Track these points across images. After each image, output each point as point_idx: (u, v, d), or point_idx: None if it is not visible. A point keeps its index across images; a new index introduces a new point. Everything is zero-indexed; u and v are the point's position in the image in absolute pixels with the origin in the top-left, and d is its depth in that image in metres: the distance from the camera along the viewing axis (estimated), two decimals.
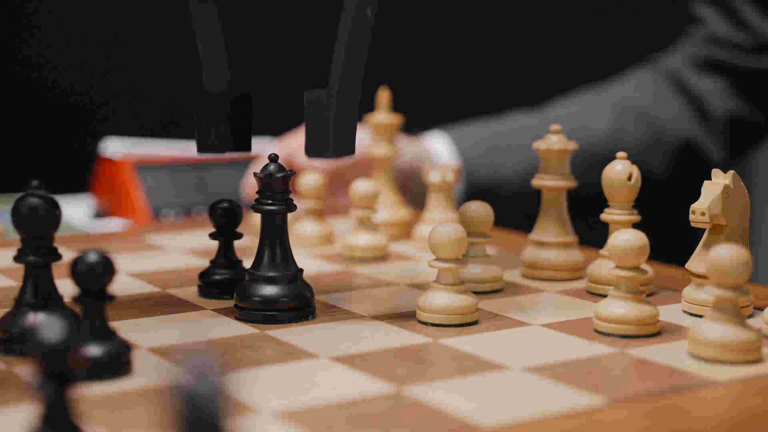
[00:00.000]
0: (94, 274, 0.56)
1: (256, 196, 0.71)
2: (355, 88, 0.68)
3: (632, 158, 1.32)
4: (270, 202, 0.70)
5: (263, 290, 0.69)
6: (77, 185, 1.34)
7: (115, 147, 1.25)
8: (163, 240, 0.98)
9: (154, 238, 0.99)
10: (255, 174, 0.70)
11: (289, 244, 0.71)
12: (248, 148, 0.72)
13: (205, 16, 0.71)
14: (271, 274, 0.70)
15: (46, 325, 0.42)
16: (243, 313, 0.70)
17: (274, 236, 0.70)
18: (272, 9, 1.60)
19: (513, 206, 1.11)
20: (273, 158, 0.70)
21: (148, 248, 0.95)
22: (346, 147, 0.68)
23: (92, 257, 0.56)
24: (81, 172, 1.34)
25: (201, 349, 0.32)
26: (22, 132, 1.56)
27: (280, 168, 0.70)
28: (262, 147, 1.23)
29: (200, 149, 0.70)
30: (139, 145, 1.27)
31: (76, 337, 0.42)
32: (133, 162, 1.22)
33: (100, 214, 1.26)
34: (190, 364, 0.32)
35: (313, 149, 0.68)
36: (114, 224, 1.19)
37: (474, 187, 1.25)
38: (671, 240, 1.19)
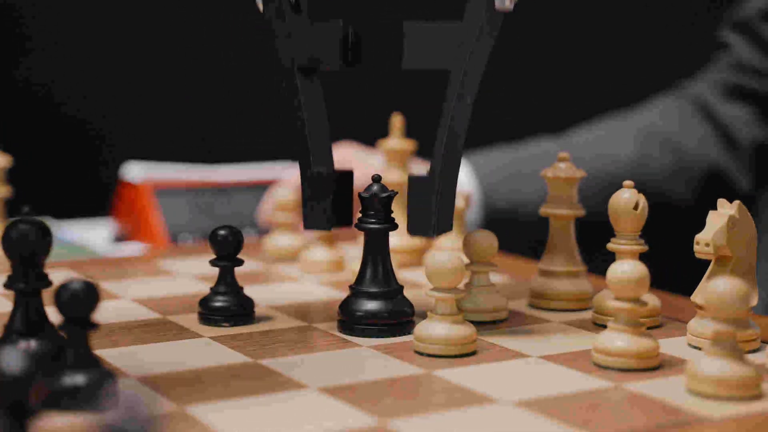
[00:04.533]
0: (78, 302, 0.56)
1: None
2: (455, 170, 0.73)
3: (657, 185, 1.32)
4: (373, 220, 0.74)
5: (365, 305, 0.73)
6: (100, 209, 1.34)
7: (136, 171, 1.26)
8: (176, 265, 0.98)
9: (168, 263, 0.99)
10: (360, 194, 0.74)
11: (390, 262, 0.75)
12: (350, 222, 0.76)
13: (311, 96, 0.76)
14: (372, 289, 0.73)
15: (4, 356, 0.41)
16: (344, 327, 0.73)
17: (376, 253, 0.74)
18: None
19: (532, 233, 1.10)
20: (376, 179, 0.74)
21: (160, 273, 0.95)
22: (445, 225, 0.72)
23: (76, 285, 0.56)
24: (104, 197, 1.34)
25: (130, 386, 0.32)
26: (47, 156, 1.57)
27: (383, 188, 0.74)
28: (280, 172, 1.23)
29: (307, 226, 0.75)
30: (160, 170, 1.27)
31: (35, 369, 0.41)
32: (152, 186, 1.22)
33: (120, 238, 1.26)
34: (119, 402, 0.31)
35: (415, 228, 0.72)
36: (132, 249, 1.19)
37: (493, 213, 1.24)
38: (696, 269, 1.18)
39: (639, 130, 1.31)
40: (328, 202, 0.74)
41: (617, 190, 0.75)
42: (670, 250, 1.07)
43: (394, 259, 0.90)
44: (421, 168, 1.20)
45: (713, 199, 0.71)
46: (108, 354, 0.67)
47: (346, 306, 0.74)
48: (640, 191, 0.76)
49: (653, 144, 1.30)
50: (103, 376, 0.57)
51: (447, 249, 0.91)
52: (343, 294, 0.79)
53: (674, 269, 1.01)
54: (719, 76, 1.32)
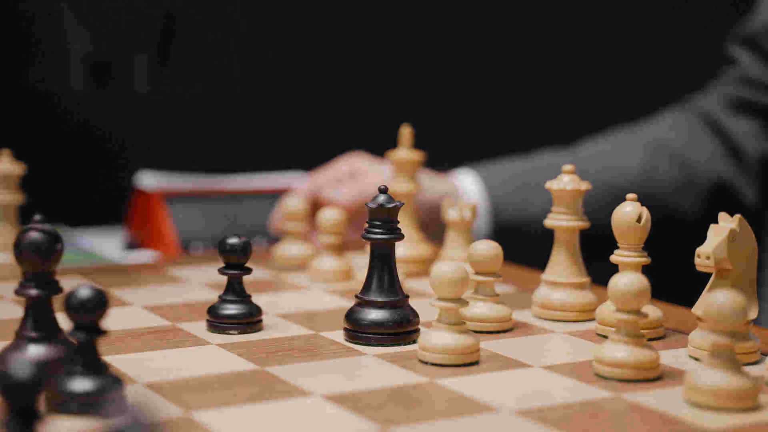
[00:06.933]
0: (87, 309, 0.57)
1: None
2: None
3: (664, 198, 1.33)
4: (379, 231, 0.74)
5: (371, 314, 0.74)
6: (113, 217, 1.36)
7: (148, 180, 1.27)
8: (187, 273, 0.99)
9: (179, 271, 1.00)
10: (367, 204, 0.75)
11: (396, 271, 0.76)
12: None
13: None
14: (378, 299, 0.74)
15: (15, 362, 0.42)
16: (349, 335, 0.74)
17: (383, 263, 0.75)
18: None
19: (541, 245, 1.11)
20: (383, 190, 0.75)
21: (170, 281, 0.96)
22: None
23: (85, 292, 0.57)
24: (117, 205, 1.36)
25: (136, 392, 0.33)
26: (61, 164, 1.58)
27: (390, 199, 0.74)
28: (290, 181, 1.25)
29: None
30: (173, 179, 1.28)
31: (45, 375, 0.42)
32: (163, 194, 1.23)
33: (133, 246, 1.27)
34: (124, 408, 0.32)
35: None
36: (145, 256, 1.21)
37: (501, 225, 1.25)
38: (702, 281, 1.18)
39: (647, 144, 1.32)
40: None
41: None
42: (677, 262, 1.07)
43: (401, 269, 0.91)
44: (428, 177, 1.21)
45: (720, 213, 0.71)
46: (117, 360, 0.68)
47: (352, 315, 0.75)
48: (647, 204, 0.76)
49: (661, 157, 1.31)
50: (111, 382, 0.58)
51: (453, 259, 0.92)
52: (350, 303, 0.80)
53: (681, 281, 1.02)
54: (727, 90, 1.32)
